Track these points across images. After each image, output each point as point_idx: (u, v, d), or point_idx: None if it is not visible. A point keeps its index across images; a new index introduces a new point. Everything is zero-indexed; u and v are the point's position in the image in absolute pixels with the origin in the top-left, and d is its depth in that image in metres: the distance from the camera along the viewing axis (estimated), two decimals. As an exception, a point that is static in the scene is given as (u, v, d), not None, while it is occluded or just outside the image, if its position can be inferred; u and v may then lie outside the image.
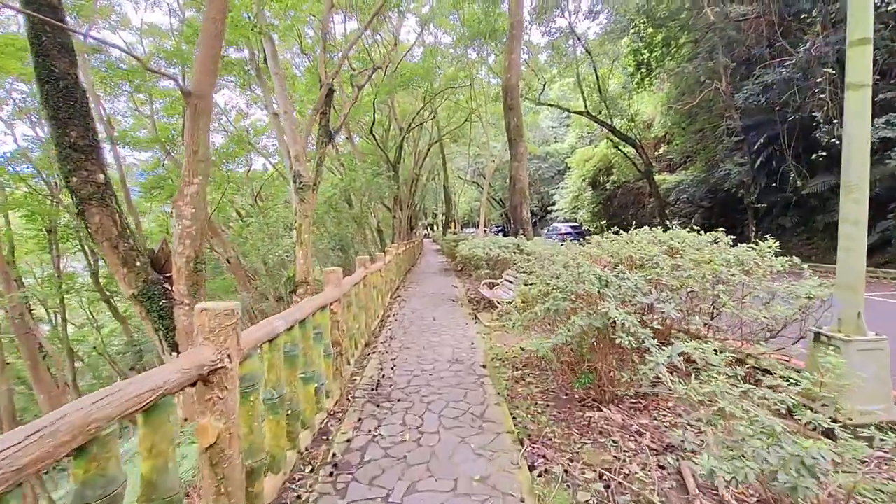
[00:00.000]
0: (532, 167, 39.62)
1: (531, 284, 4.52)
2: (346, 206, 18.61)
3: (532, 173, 39.84)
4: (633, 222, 27.08)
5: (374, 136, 16.52)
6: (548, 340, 3.42)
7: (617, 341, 2.95)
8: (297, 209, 7.77)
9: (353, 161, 17.17)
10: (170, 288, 5.10)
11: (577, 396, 3.89)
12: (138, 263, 5.06)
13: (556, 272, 4.20)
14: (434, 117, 25.23)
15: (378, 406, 4.12)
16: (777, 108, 16.08)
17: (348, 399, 4.27)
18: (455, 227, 50.97)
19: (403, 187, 26.41)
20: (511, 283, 8.18)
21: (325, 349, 3.63)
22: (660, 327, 3.29)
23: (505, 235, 44.30)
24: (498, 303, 7.68)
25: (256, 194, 18.54)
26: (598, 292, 3.12)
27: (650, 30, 20.13)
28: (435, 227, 67.21)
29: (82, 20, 12.64)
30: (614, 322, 3.14)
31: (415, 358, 5.71)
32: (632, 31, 20.39)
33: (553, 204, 39.51)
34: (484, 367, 5.26)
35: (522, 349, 5.88)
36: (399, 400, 4.25)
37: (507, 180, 10.06)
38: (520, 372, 5.05)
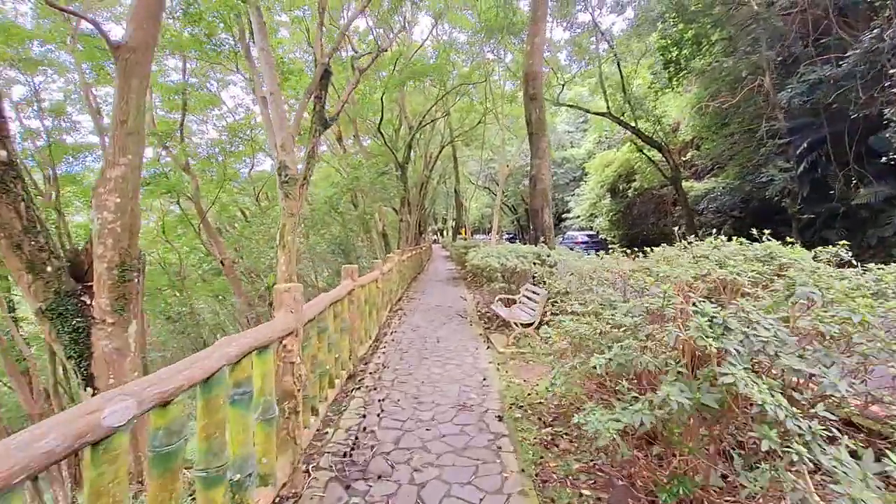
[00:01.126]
0: (547, 173, 38.24)
1: (575, 316, 3.20)
2: (352, 207, 17.44)
3: (547, 179, 38.43)
4: (655, 232, 25.41)
5: (381, 133, 15.34)
6: (611, 413, 2.09)
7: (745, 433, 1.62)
8: (281, 207, 6.57)
9: (359, 160, 15.98)
10: (88, 302, 3.87)
11: (650, 481, 2.54)
12: (49, 269, 3.84)
13: (613, 300, 2.89)
14: (447, 116, 24.07)
15: (348, 488, 2.82)
16: (825, 109, 14.57)
17: (307, 472, 2.98)
18: (465, 234, 49.70)
19: (413, 190, 25.27)
20: (531, 299, 6.85)
21: (264, 411, 2.35)
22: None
23: (513, 242, 42.91)
24: (515, 324, 6.35)
25: (258, 194, 17.49)
26: (712, 346, 1.79)
27: (680, 25, 18.76)
28: (445, 233, 66.06)
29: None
30: (737, 396, 1.83)
31: (410, 399, 4.41)
32: (660, 25, 19.02)
33: (568, 211, 38.04)
34: (500, 418, 3.93)
35: (551, 390, 4.56)
36: (380, 477, 2.95)
37: (528, 181, 8.71)
38: (550, 430, 3.71)
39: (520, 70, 21.38)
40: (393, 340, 6.86)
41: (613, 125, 25.79)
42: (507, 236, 54.50)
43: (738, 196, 19.60)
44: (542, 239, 8.60)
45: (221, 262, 13.23)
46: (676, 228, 24.45)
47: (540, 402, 4.38)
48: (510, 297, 7.38)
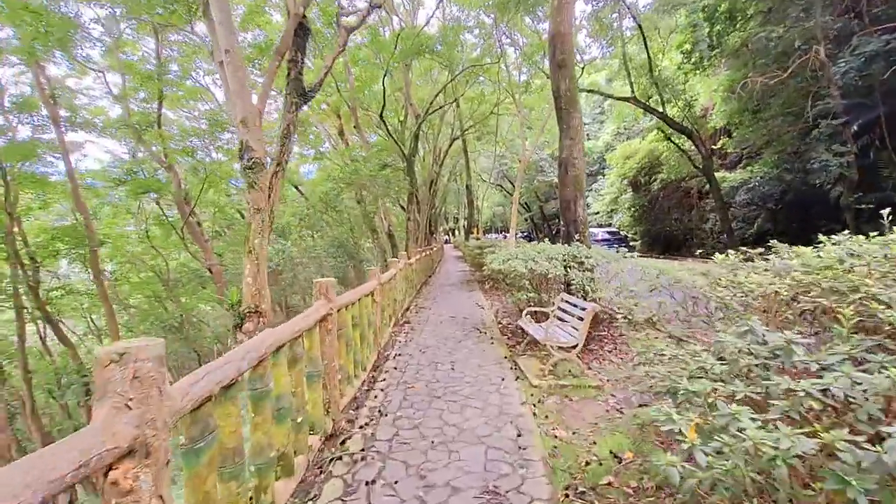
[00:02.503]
0: (562, 167, 36.56)
1: (709, 373, 1.73)
2: (356, 205, 16.03)
3: (561, 174, 36.74)
4: (678, 228, 23.42)
5: (384, 122, 13.92)
6: None
7: None
8: (247, 202, 5.19)
9: (360, 152, 14.55)
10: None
11: None
12: None
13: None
14: (456, 107, 22.59)
15: None
16: (880, 87, 12.79)
17: None
18: (478, 233, 48.19)
19: (422, 188, 23.83)
20: (568, 313, 5.37)
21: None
22: None
23: (529, 241, 41.19)
24: (553, 348, 4.87)
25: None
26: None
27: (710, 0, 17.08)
28: (456, 232, 64.59)
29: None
30: None
31: (414, 478, 2.96)
32: (687, 2, 17.33)
33: (586, 207, 36.25)
34: (557, 524, 2.47)
35: (620, 458, 3.09)
36: None
37: (558, 166, 7.19)
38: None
39: (535, 54, 19.86)
40: (396, 368, 5.42)
41: (635, 113, 24.11)
42: (521, 235, 52.84)
43: (779, 186, 17.83)
44: (575, 236, 7.09)
45: (209, 269, 11.97)
46: (703, 223, 22.61)
47: (608, 483, 2.91)
48: (541, 309, 5.90)
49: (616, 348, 5.95)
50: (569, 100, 7.40)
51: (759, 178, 17.85)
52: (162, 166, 13.25)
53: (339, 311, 3.52)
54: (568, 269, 6.11)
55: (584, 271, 6.12)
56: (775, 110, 16.06)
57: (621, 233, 25.94)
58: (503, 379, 4.95)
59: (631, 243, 26.02)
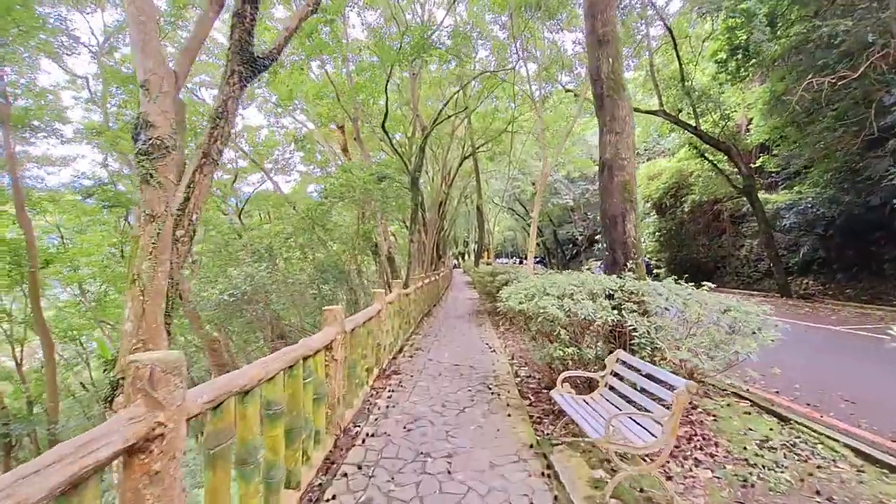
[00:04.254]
0: (577, 188, 34.78)
1: None
2: (351, 221, 14.25)
3: (577, 196, 34.96)
4: (706, 255, 20.86)
5: (386, 133, 12.30)
6: None
7: None
8: (140, 205, 3.40)
9: (356, 164, 12.85)
10: None
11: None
12: None
13: None
14: (467, 122, 21.10)
15: None
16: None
17: None
18: (488, 257, 46.25)
19: (431, 210, 22.15)
20: (626, 379, 3.40)
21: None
22: None
23: (544, 266, 38.96)
24: (616, 453, 2.90)
25: (240, 211, 14.64)
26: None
27: (749, 3, 15.43)
28: (466, 256, 62.65)
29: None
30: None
31: None
32: (726, 3, 15.71)
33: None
34: None
35: None
36: None
37: (599, 169, 5.28)
38: None
39: (553, 65, 18.36)
40: (361, 468, 3.45)
41: (659, 130, 22.34)
42: (535, 260, 50.68)
43: (832, 208, 15.72)
44: (626, 263, 5.16)
45: (179, 295, 10.24)
46: (737, 250, 20.30)
47: None
48: (585, 374, 3.93)
49: (700, 436, 3.91)
50: (613, 84, 5.59)
51: (810, 199, 15.78)
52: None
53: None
54: (623, 313, 4.16)
55: (645, 315, 4.17)
56: (829, 122, 14.13)
57: (646, 259, 23.77)
58: (531, 493, 2.97)
59: (654, 271, 23.85)
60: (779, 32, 15.56)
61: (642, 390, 3.36)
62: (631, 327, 4.01)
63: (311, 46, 11.79)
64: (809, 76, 11.73)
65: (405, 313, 8.28)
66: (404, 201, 12.24)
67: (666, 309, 4.18)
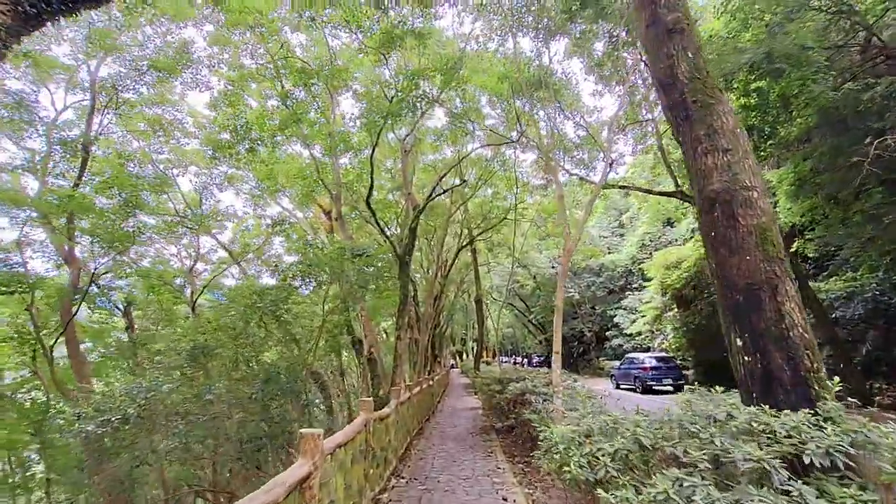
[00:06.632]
0: (582, 282, 32.67)
1: None
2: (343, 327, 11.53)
3: (584, 290, 32.71)
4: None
5: (371, 209, 10.37)
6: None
7: None
8: None
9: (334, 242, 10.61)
10: None
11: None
12: None
13: None
14: (464, 210, 19.69)
15: None
16: None
17: None
18: (488, 356, 42.38)
19: (426, 304, 19.74)
20: None
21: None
22: None
23: (542, 366, 35.25)
24: None
25: (194, 302, 12.15)
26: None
27: (761, 83, 14.70)
28: (465, 355, 58.30)
29: None
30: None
31: None
32: (735, 86, 15.01)
33: (614, 326, 31.47)
34: None
35: None
36: None
37: (702, 209, 2.78)
38: None
39: (549, 152, 17.33)
40: None
41: (674, 216, 20.91)
42: (536, 360, 46.52)
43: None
44: (807, 382, 2.54)
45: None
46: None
47: None
48: None
49: None
50: (701, 85, 3.58)
51: (874, 284, 13.53)
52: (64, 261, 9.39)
53: None
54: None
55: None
56: (879, 197, 12.43)
57: (673, 359, 20.71)
58: None
59: (683, 372, 20.69)
60: (792, 115, 14.64)
61: None
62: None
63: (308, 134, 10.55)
64: (814, 164, 10.22)
65: (376, 453, 5.37)
66: (378, 284, 9.77)
67: None
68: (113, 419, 5.06)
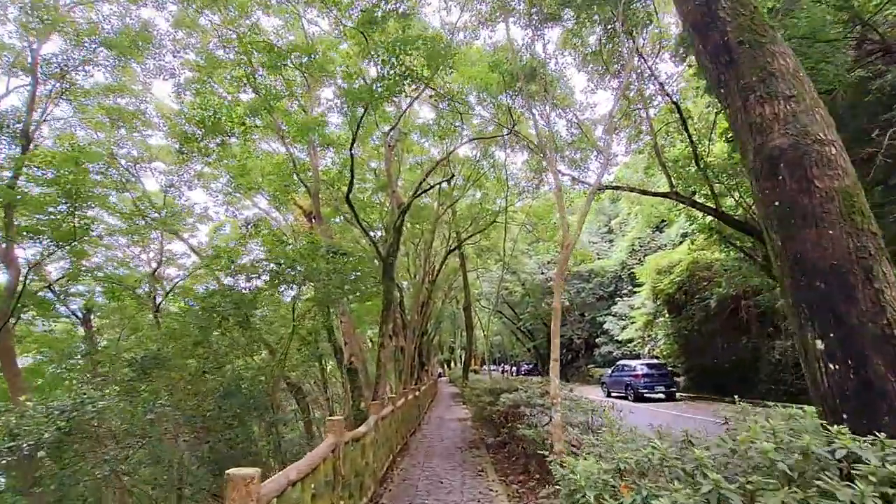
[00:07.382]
0: (572, 288, 32.06)
1: None
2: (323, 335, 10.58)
3: (573, 296, 32.11)
4: (725, 360, 16.63)
5: (350, 205, 9.53)
6: None
7: None
8: None
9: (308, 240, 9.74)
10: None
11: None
12: None
13: None
14: (452, 213, 18.94)
15: None
16: None
17: None
18: (476, 363, 41.48)
19: (413, 311, 18.89)
20: None
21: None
22: None
23: (532, 374, 34.46)
24: None
25: (157, 307, 11.12)
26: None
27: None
28: (453, 363, 57.25)
29: None
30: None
31: None
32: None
33: (603, 333, 30.92)
34: None
35: None
36: None
37: (759, 174, 1.97)
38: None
39: (545, 147, 16.76)
40: None
41: (668, 218, 20.42)
42: (525, 367, 45.71)
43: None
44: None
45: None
46: (769, 353, 16.78)
47: None
48: None
49: None
50: (748, 21, 2.87)
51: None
52: None
53: None
54: None
55: None
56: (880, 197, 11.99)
57: (665, 366, 20.12)
58: None
59: (674, 379, 20.14)
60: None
61: None
62: None
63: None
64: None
65: (349, 480, 4.51)
66: (356, 286, 8.87)
67: None
68: (24, 445, 4.10)
